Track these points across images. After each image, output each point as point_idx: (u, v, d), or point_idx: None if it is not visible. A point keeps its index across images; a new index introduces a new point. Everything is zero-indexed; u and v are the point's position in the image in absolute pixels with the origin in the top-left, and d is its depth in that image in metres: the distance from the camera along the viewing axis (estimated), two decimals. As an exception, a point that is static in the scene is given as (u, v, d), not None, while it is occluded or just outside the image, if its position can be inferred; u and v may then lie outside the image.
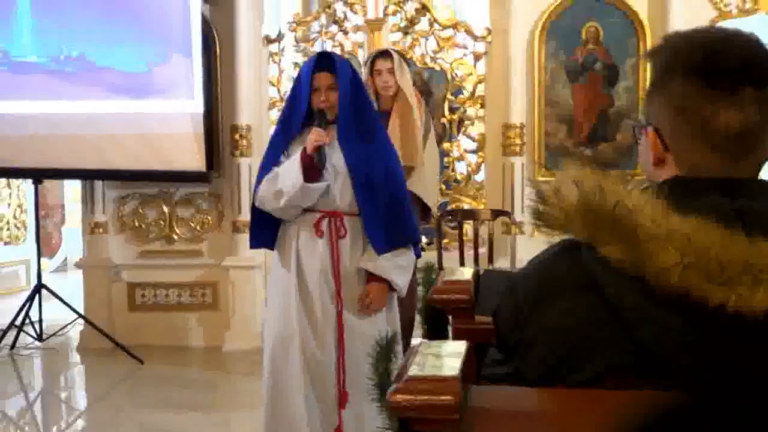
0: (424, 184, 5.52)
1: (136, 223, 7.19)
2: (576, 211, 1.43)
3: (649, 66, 1.55)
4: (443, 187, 6.92)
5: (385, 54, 5.61)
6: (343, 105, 3.91)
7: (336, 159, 3.93)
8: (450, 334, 2.26)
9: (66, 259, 10.61)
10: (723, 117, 1.41)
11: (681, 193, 1.40)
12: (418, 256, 4.12)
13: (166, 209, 7.18)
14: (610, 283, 1.38)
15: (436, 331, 2.31)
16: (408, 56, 6.74)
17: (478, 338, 1.84)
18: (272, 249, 4.15)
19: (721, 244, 1.32)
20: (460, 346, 1.48)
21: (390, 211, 3.96)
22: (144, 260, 7.21)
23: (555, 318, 1.43)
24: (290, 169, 3.87)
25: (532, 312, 1.46)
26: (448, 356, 1.44)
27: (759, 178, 1.48)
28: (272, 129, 6.95)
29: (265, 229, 4.10)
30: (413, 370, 1.37)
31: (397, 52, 5.82)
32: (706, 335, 1.33)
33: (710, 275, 1.31)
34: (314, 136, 3.84)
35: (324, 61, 3.95)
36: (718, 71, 1.41)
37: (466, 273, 2.34)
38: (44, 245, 7.89)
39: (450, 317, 2.26)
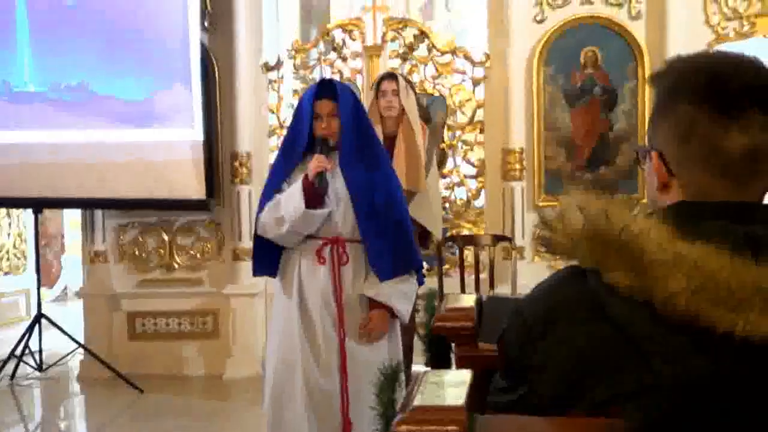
0: (428, 210, 5.53)
1: (137, 252, 7.18)
2: (582, 236, 1.42)
3: (651, 90, 1.54)
4: (444, 212, 6.91)
5: (391, 76, 5.69)
6: (345, 132, 3.92)
7: (338, 185, 3.94)
8: (453, 361, 2.24)
9: (65, 288, 10.58)
10: (729, 140, 1.40)
11: (687, 218, 1.40)
12: (420, 283, 4.12)
13: (166, 237, 7.17)
14: (619, 309, 1.37)
15: (438, 358, 2.30)
16: (408, 82, 6.76)
17: (481, 365, 1.83)
18: (275, 277, 4.14)
19: (729, 268, 1.31)
20: (464, 375, 1.47)
21: (393, 237, 3.96)
22: (144, 289, 7.19)
23: (564, 343, 1.42)
24: (292, 196, 3.87)
25: (540, 337, 1.45)
26: (453, 385, 1.43)
27: (764, 202, 1.47)
28: (272, 156, 7.01)
29: (268, 257, 4.09)
30: (418, 400, 1.36)
31: (403, 77, 5.86)
32: (715, 360, 1.32)
33: (719, 300, 1.30)
34: (316, 162, 3.85)
35: (326, 89, 3.96)
36: (723, 95, 1.40)
37: (469, 300, 2.33)
38: (43, 275, 7.88)
39: (453, 344, 2.24)
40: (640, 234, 1.37)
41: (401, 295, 3.99)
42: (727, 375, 1.32)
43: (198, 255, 7.15)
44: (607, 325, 1.38)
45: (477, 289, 5.99)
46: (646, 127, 1.56)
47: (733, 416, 1.33)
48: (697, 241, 1.34)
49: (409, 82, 5.86)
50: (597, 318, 1.40)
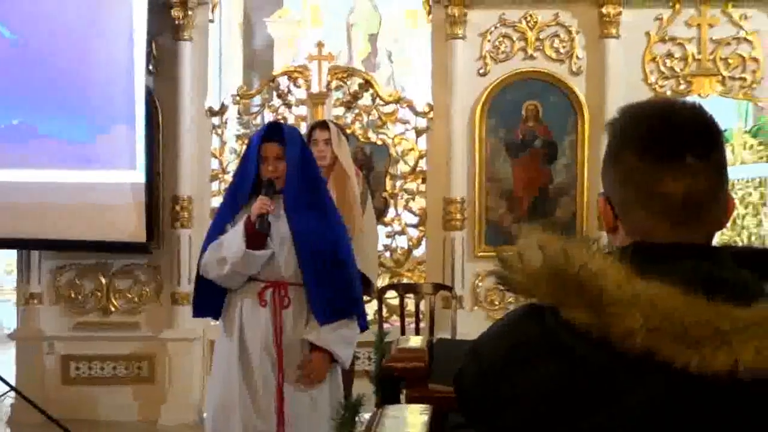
0: (364, 255, 5.51)
1: (72, 294, 7.06)
2: (540, 275, 1.43)
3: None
4: (387, 261, 6.93)
5: (322, 125, 5.69)
6: (290, 175, 3.93)
7: (282, 228, 3.94)
8: (403, 402, 2.25)
9: (-6, 331, 10.34)
10: (665, 186, 1.43)
11: (643, 258, 1.42)
12: (364, 328, 4.12)
13: (103, 280, 7.07)
14: (577, 346, 1.38)
15: (388, 400, 2.30)
16: (350, 130, 6.80)
17: (432, 405, 1.83)
18: (216, 318, 4.13)
19: (684, 306, 1.33)
20: (423, 410, 1.47)
21: (335, 281, 3.97)
22: (79, 332, 7.06)
23: (524, 382, 1.42)
24: (234, 237, 3.88)
25: (499, 376, 1.46)
26: (413, 420, 1.43)
27: (713, 244, 1.51)
28: (213, 201, 6.98)
29: (209, 298, 4.07)
30: (379, 434, 1.36)
31: (336, 124, 5.88)
32: (671, 395, 1.34)
33: (674, 337, 1.32)
34: (259, 203, 3.86)
35: (273, 132, 3.98)
36: (659, 141, 1.44)
37: (419, 342, 2.34)
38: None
39: (403, 385, 2.25)
40: (598, 273, 1.39)
41: (342, 340, 3.99)
42: (683, 409, 1.35)
43: (136, 298, 7.05)
44: (565, 362, 1.40)
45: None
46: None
47: None
48: (653, 280, 1.37)
49: (341, 128, 5.87)
50: (555, 356, 1.41)
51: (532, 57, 6.80)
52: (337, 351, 3.96)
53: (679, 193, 1.43)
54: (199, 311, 4.21)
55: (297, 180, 3.96)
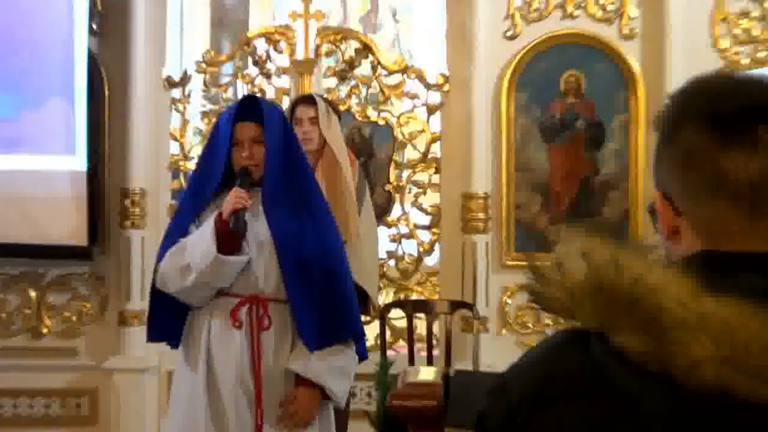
0: (361, 264, 5.51)
1: (-6, 312, 7.09)
2: (584, 290, 1.43)
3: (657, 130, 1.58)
4: (392, 271, 6.95)
5: (308, 100, 5.67)
6: (270, 163, 3.93)
7: (260, 230, 3.94)
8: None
9: None
10: (737, 163, 1.44)
11: (714, 270, 1.42)
12: (363, 356, 4.11)
13: (33, 294, 7.08)
14: (629, 381, 1.38)
15: (392, 447, 2.31)
16: (344, 107, 6.80)
17: (448, 455, 1.84)
18: (175, 345, 4.12)
19: (766, 331, 1.33)
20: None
21: (326, 297, 3.96)
22: (2, 360, 7.07)
23: (560, 425, 1.43)
24: (201, 239, 3.86)
25: (530, 417, 1.46)
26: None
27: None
28: (172, 195, 6.99)
29: (167, 318, 4.08)
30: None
31: (324, 98, 5.86)
32: None
33: (755, 370, 1.32)
34: (233, 197, 3.84)
35: (249, 109, 3.97)
36: (727, 113, 1.45)
37: (431, 374, 2.34)
38: None
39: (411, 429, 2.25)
40: (657, 288, 1.38)
41: (336, 370, 3.98)
42: None
43: (74, 317, 7.06)
44: (613, 402, 1.40)
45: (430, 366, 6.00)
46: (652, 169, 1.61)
47: None
48: (726, 297, 1.37)
49: (331, 104, 5.85)
50: (601, 393, 1.41)
51: (572, 16, 6.80)
52: (329, 385, 3.96)
53: (754, 173, 1.43)
54: (154, 334, 4.20)
55: (278, 169, 3.96)
